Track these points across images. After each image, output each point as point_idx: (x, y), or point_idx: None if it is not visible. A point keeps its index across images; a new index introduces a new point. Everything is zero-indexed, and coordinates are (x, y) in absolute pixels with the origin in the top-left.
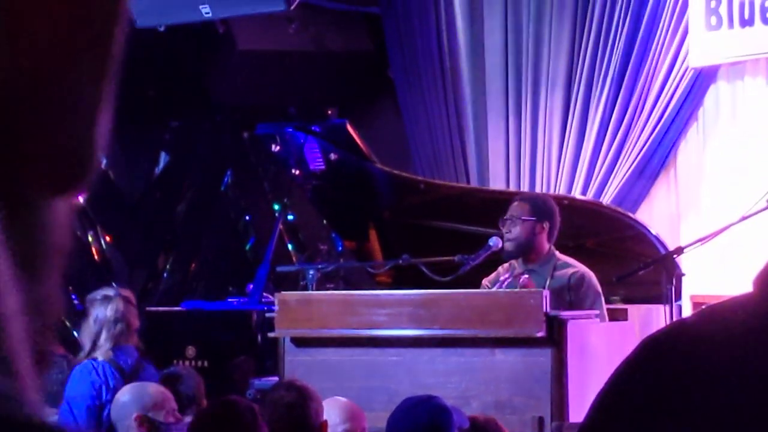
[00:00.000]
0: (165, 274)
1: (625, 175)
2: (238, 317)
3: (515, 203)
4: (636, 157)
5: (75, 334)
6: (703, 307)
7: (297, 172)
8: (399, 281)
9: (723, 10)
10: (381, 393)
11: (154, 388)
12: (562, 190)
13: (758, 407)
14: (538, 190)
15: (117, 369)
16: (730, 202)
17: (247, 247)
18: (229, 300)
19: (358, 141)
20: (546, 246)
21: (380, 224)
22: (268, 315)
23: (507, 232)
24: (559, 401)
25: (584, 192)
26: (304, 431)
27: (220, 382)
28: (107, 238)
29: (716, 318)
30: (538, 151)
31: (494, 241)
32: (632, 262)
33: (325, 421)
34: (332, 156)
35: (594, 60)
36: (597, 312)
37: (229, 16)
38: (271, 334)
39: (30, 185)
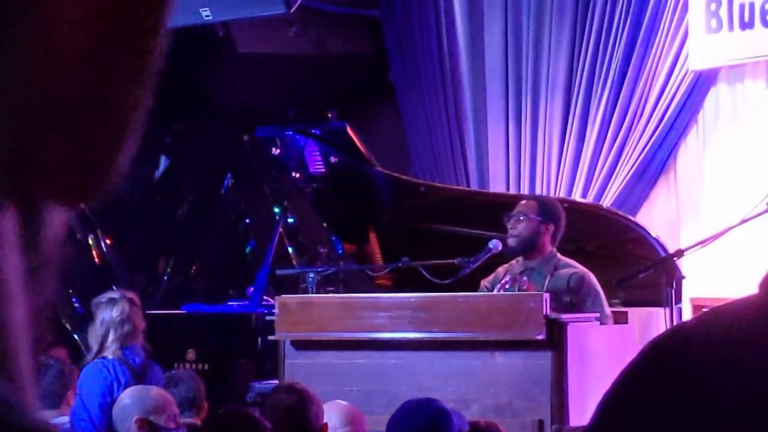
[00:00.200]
0: (165, 277)
1: (625, 178)
2: (238, 320)
3: (524, 201)
4: (636, 160)
5: (76, 337)
6: (706, 309)
7: (297, 175)
8: (399, 284)
9: (723, 12)
10: (381, 396)
11: (156, 392)
12: (562, 193)
13: (762, 409)
14: (538, 193)
15: (127, 366)
16: (730, 205)
17: (247, 250)
18: (230, 303)
19: (358, 144)
20: (548, 247)
21: (380, 227)
22: (268, 318)
23: (511, 228)
24: (559, 404)
25: (584, 195)
26: None
27: (220, 386)
28: (108, 241)
29: (721, 321)
30: (538, 154)
31: (494, 244)
32: (632, 265)
33: (326, 423)
34: (332, 159)
35: (594, 63)
36: (597, 314)
37: (229, 19)
38: (271, 337)
39: (47, 193)
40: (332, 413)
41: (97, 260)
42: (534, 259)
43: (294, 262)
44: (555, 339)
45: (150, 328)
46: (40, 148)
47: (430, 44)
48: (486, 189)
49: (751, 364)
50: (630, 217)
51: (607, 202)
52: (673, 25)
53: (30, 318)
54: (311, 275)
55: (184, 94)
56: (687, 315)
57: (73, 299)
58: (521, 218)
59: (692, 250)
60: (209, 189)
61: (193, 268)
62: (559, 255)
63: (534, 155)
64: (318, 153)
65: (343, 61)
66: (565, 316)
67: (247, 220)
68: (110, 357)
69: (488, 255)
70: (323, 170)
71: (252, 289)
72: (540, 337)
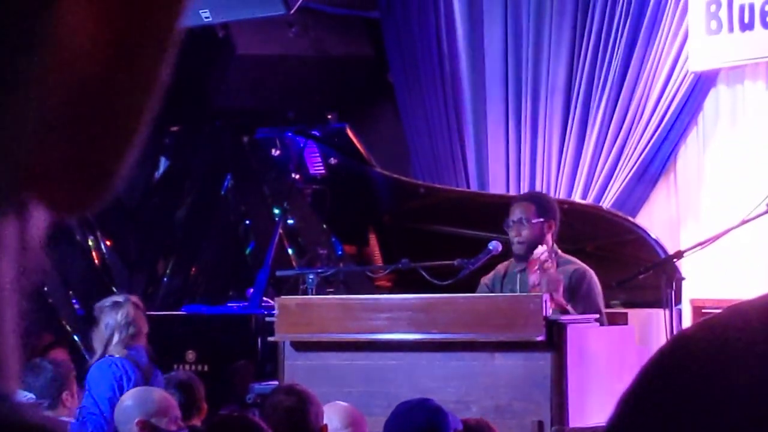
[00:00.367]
0: (165, 279)
1: (625, 179)
2: (238, 321)
3: (519, 205)
4: (636, 161)
5: (75, 338)
6: (734, 304)
7: (297, 176)
8: (399, 285)
9: (723, 14)
10: (380, 397)
11: (158, 395)
12: (562, 195)
13: None
14: None
15: (135, 364)
16: (729, 206)
17: (247, 252)
18: (229, 304)
19: (358, 145)
20: (550, 244)
21: (380, 228)
22: (268, 319)
23: (516, 236)
24: (559, 405)
25: (584, 196)
26: None
27: (220, 387)
28: (107, 243)
29: (747, 316)
30: (538, 156)
31: (494, 245)
32: (632, 266)
33: (325, 425)
34: (332, 160)
35: (594, 64)
36: (597, 316)
37: (228, 21)
38: (271, 339)
39: (36, 195)
40: (333, 414)
41: (96, 261)
42: None
43: (294, 264)
44: (555, 340)
45: (150, 329)
46: (44, 156)
47: (429, 45)
48: (486, 190)
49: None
50: (630, 219)
51: (607, 203)
52: (673, 26)
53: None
54: (311, 276)
55: (183, 95)
56: (687, 316)
57: (73, 300)
58: (523, 223)
59: (692, 252)
60: (209, 190)
61: (193, 269)
62: (559, 251)
63: (534, 156)
64: (318, 154)
65: (342, 62)
66: (564, 318)
67: (247, 222)
68: (117, 356)
69: (488, 256)
70: (323, 171)
71: (252, 290)
72: (540, 339)
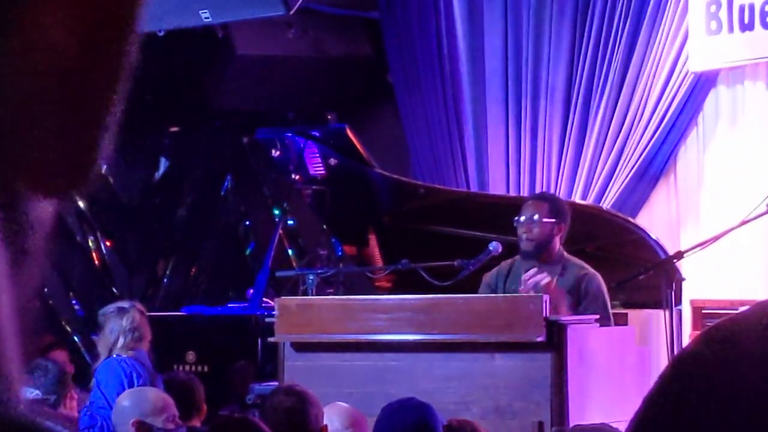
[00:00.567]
0: (165, 279)
1: (625, 179)
2: (238, 322)
3: (533, 203)
4: (636, 162)
5: (76, 339)
6: (762, 300)
7: (296, 176)
8: (399, 286)
9: (723, 14)
10: (380, 398)
11: (154, 394)
12: (562, 195)
13: None
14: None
15: (140, 363)
16: (729, 207)
17: (247, 252)
18: (229, 305)
19: (358, 146)
20: (558, 246)
21: (380, 229)
22: (268, 320)
23: (526, 232)
24: (559, 406)
25: (584, 197)
26: None
27: (220, 387)
28: (107, 244)
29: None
30: (538, 156)
31: (494, 246)
32: (632, 266)
33: (325, 425)
34: (332, 161)
35: (594, 65)
36: (597, 317)
37: (228, 21)
38: (271, 339)
39: (29, 183)
40: (333, 415)
41: (96, 262)
42: (544, 262)
43: (294, 264)
44: (555, 341)
45: (150, 330)
46: (22, 141)
47: (429, 46)
48: (486, 191)
49: None
50: (630, 219)
51: (606, 203)
52: (672, 26)
53: (17, 310)
54: (311, 277)
55: (183, 95)
56: (687, 317)
57: (73, 301)
58: (534, 220)
59: (692, 252)
60: (209, 191)
61: (193, 269)
62: (566, 254)
63: (534, 157)
64: (317, 155)
65: (342, 62)
66: (564, 318)
67: (247, 222)
68: (123, 355)
69: (488, 257)
70: (323, 172)
71: (252, 290)
72: (540, 339)
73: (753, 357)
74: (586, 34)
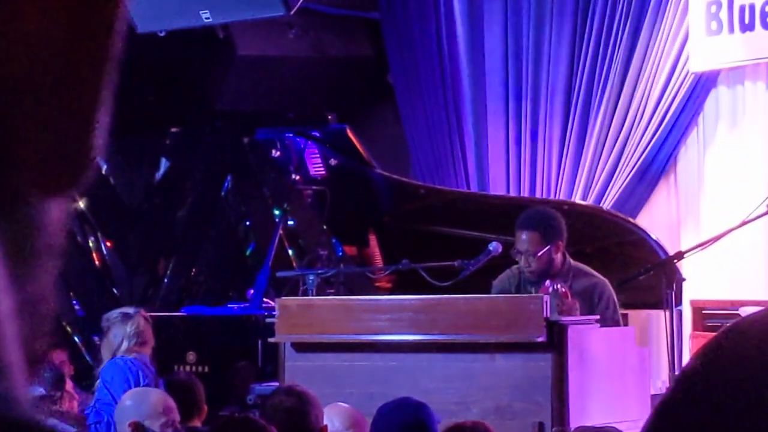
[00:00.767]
0: (165, 280)
1: (625, 180)
2: (238, 322)
3: (524, 235)
4: (636, 162)
5: (76, 339)
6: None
7: (297, 177)
8: (399, 286)
9: (723, 14)
10: (381, 398)
11: (156, 397)
12: (562, 196)
13: None
14: (537, 195)
15: (144, 364)
16: (730, 207)
17: (248, 253)
18: (230, 305)
19: (358, 146)
20: (561, 259)
21: (380, 229)
22: (268, 320)
23: (526, 265)
24: (560, 406)
25: (584, 197)
26: None
27: (220, 388)
28: (108, 244)
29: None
30: (538, 157)
31: (494, 246)
32: (632, 267)
33: (325, 426)
34: (332, 161)
35: (594, 65)
36: (597, 317)
37: (229, 21)
38: (271, 340)
39: (24, 184)
40: (334, 416)
41: (97, 263)
42: (549, 276)
43: (294, 265)
44: (555, 341)
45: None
46: (15, 140)
47: (430, 46)
48: (486, 191)
49: None
50: (630, 219)
51: (607, 204)
52: (673, 27)
53: (22, 310)
54: (311, 277)
55: (183, 96)
56: (687, 317)
57: (74, 302)
58: (531, 255)
59: (692, 252)
60: (209, 191)
61: (194, 270)
62: (571, 261)
63: (534, 157)
64: (318, 155)
65: (342, 63)
66: (565, 319)
67: (247, 223)
68: (127, 357)
69: (488, 257)
70: (323, 172)
71: (252, 291)
72: (540, 340)
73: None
74: (586, 35)
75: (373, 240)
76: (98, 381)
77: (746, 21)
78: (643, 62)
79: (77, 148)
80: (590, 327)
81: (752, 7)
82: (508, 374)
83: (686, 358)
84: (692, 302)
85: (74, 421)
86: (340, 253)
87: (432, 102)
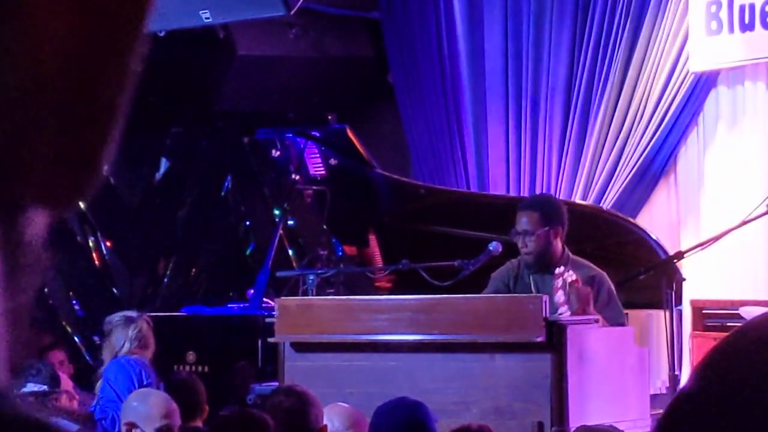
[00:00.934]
0: (165, 280)
1: (625, 180)
2: (238, 322)
3: (523, 215)
4: (636, 162)
5: (76, 339)
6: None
7: (297, 177)
8: (399, 286)
9: (723, 14)
10: (380, 398)
11: (157, 400)
12: (562, 195)
13: None
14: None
15: (145, 364)
16: (730, 207)
17: (248, 253)
18: (230, 305)
19: (358, 146)
20: (560, 247)
21: (380, 229)
22: (268, 320)
23: (523, 247)
24: (559, 406)
25: (584, 197)
26: None
27: (220, 388)
28: (108, 244)
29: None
30: (538, 156)
31: (494, 246)
32: (632, 267)
33: (325, 425)
34: (332, 161)
35: (594, 65)
36: (597, 317)
37: (229, 21)
38: (271, 340)
39: (29, 193)
40: (334, 416)
41: (97, 262)
42: (548, 265)
43: (294, 265)
44: (555, 341)
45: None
46: (25, 150)
47: (430, 46)
48: (486, 191)
49: None
50: (630, 219)
51: (607, 204)
52: (673, 27)
53: (7, 320)
54: (311, 277)
55: (184, 96)
56: (687, 317)
57: (73, 301)
58: (530, 234)
59: (692, 252)
60: (209, 191)
61: (193, 270)
62: (571, 255)
63: (534, 157)
64: (318, 155)
65: (343, 63)
66: (564, 319)
67: (247, 223)
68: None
69: (488, 257)
70: (323, 172)
71: (252, 291)
72: (540, 340)
73: None
74: (586, 34)
75: (373, 240)
76: (100, 381)
77: (746, 21)
78: (643, 62)
79: (88, 161)
80: (590, 327)
81: (752, 7)
82: (507, 374)
83: (686, 358)
84: (692, 302)
85: (77, 418)
86: (340, 253)
87: (432, 102)
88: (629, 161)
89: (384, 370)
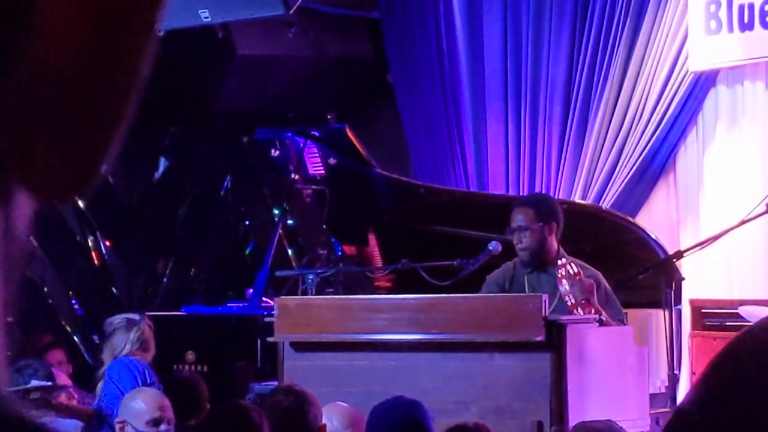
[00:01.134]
0: (165, 279)
1: (624, 179)
2: (237, 322)
3: (518, 211)
4: (635, 161)
5: (75, 338)
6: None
7: (296, 176)
8: (398, 286)
9: (723, 14)
10: (380, 398)
11: (146, 396)
12: (561, 195)
13: None
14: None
15: (148, 365)
16: (729, 206)
17: (247, 252)
18: (229, 305)
19: (358, 145)
20: (555, 246)
21: (380, 229)
22: (267, 319)
23: (518, 243)
24: (559, 406)
25: (584, 196)
26: None
27: (219, 387)
28: (107, 243)
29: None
30: (538, 156)
31: (493, 245)
32: (632, 266)
33: (324, 425)
34: (332, 160)
35: (593, 64)
36: (596, 316)
37: (228, 21)
38: (270, 339)
39: (30, 187)
40: (333, 415)
41: (96, 262)
42: (544, 264)
43: (293, 264)
44: (554, 340)
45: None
46: (28, 144)
47: (429, 46)
48: (485, 190)
49: None
50: (629, 219)
51: (606, 203)
52: (672, 26)
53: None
54: (311, 277)
55: (183, 95)
56: (686, 316)
57: (73, 301)
58: (524, 230)
59: (692, 252)
60: (208, 191)
61: (193, 269)
62: (565, 254)
63: (533, 156)
64: (317, 154)
65: (342, 62)
66: (564, 318)
67: (247, 222)
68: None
69: (488, 256)
70: (323, 172)
71: (251, 290)
72: (539, 339)
73: None
74: (585, 34)
75: (372, 239)
76: (101, 380)
77: (745, 20)
78: (642, 61)
79: (91, 158)
80: (589, 326)
81: (751, 7)
82: (507, 373)
83: (685, 357)
84: (691, 301)
85: (81, 415)
86: (340, 253)
87: (431, 101)
88: (628, 160)
89: (383, 370)
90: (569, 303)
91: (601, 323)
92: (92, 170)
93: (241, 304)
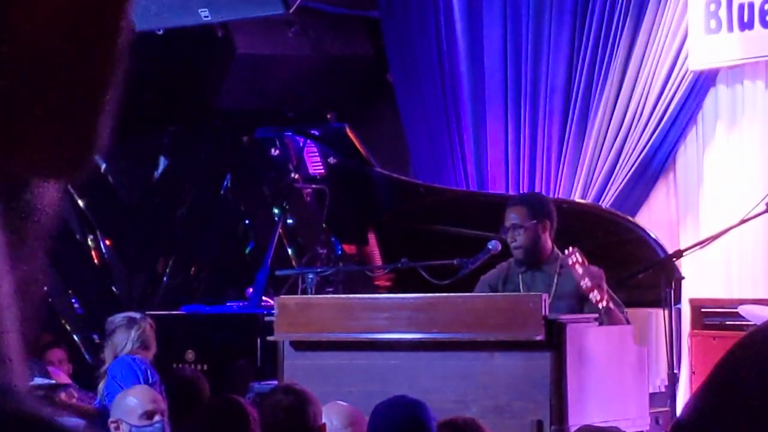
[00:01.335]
0: (164, 278)
1: (624, 178)
2: (237, 321)
3: (511, 210)
4: (635, 161)
5: (75, 338)
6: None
7: (296, 175)
8: (398, 285)
9: (722, 13)
10: (380, 397)
11: (136, 392)
12: (561, 194)
13: None
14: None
15: (150, 364)
16: (729, 206)
17: (247, 251)
18: (229, 304)
19: (358, 145)
20: (549, 244)
21: (379, 228)
22: (267, 319)
23: (512, 241)
24: (559, 405)
25: (583, 196)
26: None
27: (219, 386)
28: (107, 242)
29: None
30: (538, 155)
31: (493, 245)
32: (631, 265)
33: (324, 424)
34: (331, 160)
35: (593, 63)
36: (596, 315)
37: (228, 20)
38: (270, 338)
39: (30, 166)
40: (333, 414)
41: (96, 261)
42: (539, 262)
43: (293, 263)
44: (554, 339)
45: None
46: (23, 126)
47: (429, 45)
48: (485, 189)
49: None
50: (629, 218)
51: (606, 202)
52: (672, 25)
53: (18, 295)
54: (310, 276)
55: (182, 95)
56: (686, 315)
57: (73, 300)
58: (518, 228)
59: (691, 251)
60: (208, 190)
61: (193, 268)
62: (559, 252)
63: (533, 156)
64: (317, 154)
65: (342, 62)
66: (564, 317)
67: (247, 221)
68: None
69: (487, 255)
70: (322, 171)
71: (251, 289)
72: (539, 338)
73: None
74: (585, 33)
75: (372, 238)
76: (104, 379)
77: (745, 20)
78: (642, 60)
79: (84, 132)
80: (589, 325)
81: (751, 6)
82: (506, 373)
83: (685, 357)
84: (691, 300)
85: (83, 414)
86: (340, 252)
87: (431, 101)
88: (628, 160)
89: (383, 369)
90: (585, 286)
91: (610, 313)
92: (88, 143)
93: (241, 304)
